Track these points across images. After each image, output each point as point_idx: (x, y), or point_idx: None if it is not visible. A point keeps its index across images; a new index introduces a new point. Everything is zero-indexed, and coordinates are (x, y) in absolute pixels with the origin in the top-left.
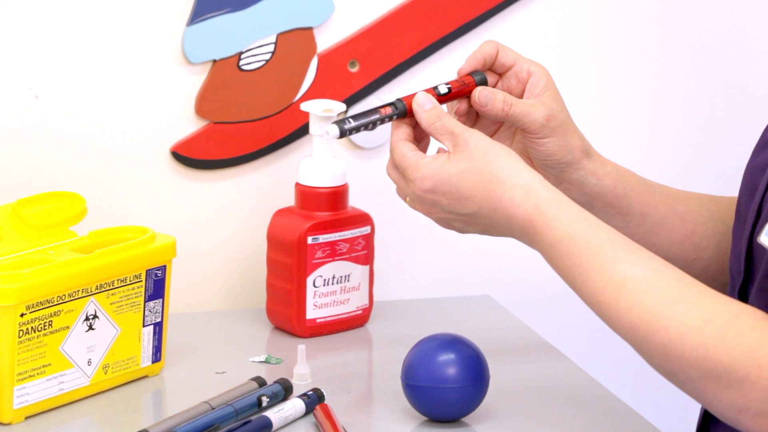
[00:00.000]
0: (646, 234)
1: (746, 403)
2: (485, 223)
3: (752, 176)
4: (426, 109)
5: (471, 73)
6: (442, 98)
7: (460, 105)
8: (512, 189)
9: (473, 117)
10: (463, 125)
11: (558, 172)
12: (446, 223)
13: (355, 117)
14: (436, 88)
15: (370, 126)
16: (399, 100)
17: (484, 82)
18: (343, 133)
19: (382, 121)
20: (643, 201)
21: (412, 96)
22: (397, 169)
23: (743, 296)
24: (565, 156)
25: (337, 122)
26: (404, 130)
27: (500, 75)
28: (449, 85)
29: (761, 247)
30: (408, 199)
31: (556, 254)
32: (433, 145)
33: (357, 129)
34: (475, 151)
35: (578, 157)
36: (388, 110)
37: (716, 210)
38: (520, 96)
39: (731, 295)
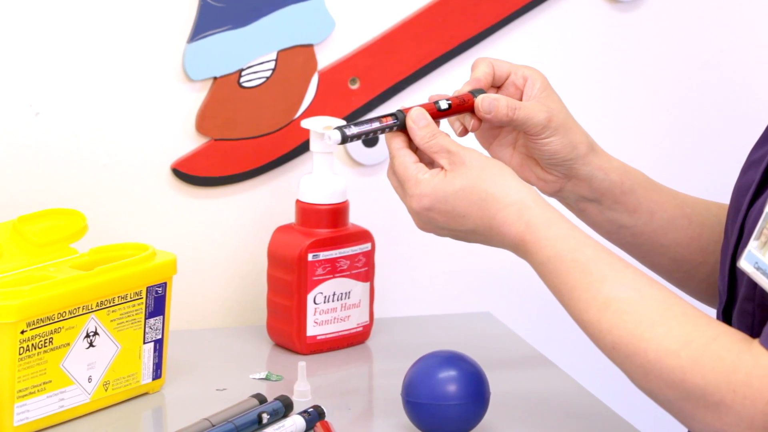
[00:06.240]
0: (653, 233)
1: (722, 427)
2: (481, 240)
3: (737, 196)
4: (421, 126)
5: (470, 91)
6: (441, 113)
7: (474, 123)
8: (506, 207)
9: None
10: (458, 143)
11: (565, 170)
12: (441, 235)
13: (356, 124)
14: (436, 103)
15: (371, 135)
16: (400, 111)
17: None
18: (344, 139)
19: (383, 130)
20: (651, 199)
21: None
22: (396, 177)
23: (727, 315)
24: (570, 152)
25: (339, 128)
26: (402, 138)
27: (498, 88)
28: (449, 101)
29: (742, 270)
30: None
31: (545, 272)
32: None
33: (358, 136)
34: (471, 169)
35: (583, 152)
36: (389, 120)
37: (723, 216)
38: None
39: (718, 312)
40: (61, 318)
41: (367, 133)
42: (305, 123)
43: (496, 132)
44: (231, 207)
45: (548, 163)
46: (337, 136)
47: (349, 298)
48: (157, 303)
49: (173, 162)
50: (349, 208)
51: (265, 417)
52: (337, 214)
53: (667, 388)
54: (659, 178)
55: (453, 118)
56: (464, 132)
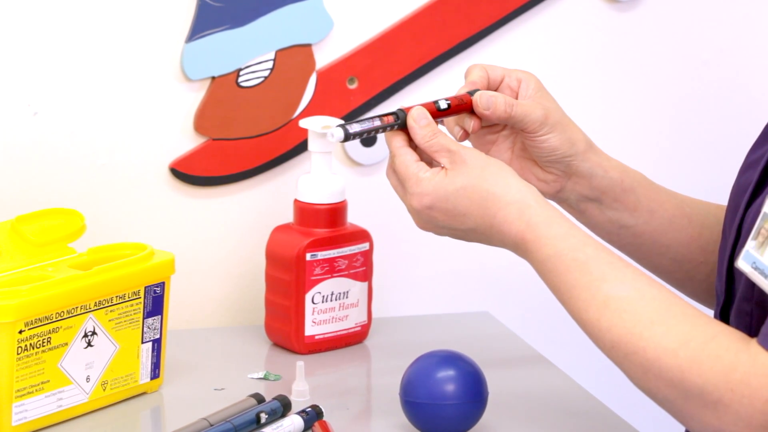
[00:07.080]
0: (654, 233)
1: (721, 426)
2: (481, 239)
3: (736, 196)
4: (422, 125)
5: (467, 92)
6: (441, 113)
7: (474, 123)
8: (507, 205)
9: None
10: (458, 142)
11: (564, 167)
12: (440, 234)
13: (359, 122)
14: (436, 102)
15: (372, 133)
16: (401, 110)
17: None
18: (347, 137)
19: (384, 129)
20: (651, 198)
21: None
22: (396, 175)
23: (725, 316)
24: (569, 149)
25: (341, 125)
26: (403, 136)
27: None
28: (449, 101)
29: (740, 270)
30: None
31: (545, 271)
32: None
33: (360, 134)
34: (472, 168)
35: (582, 148)
36: (390, 119)
37: (722, 217)
38: None
39: (716, 312)
40: (59, 318)
41: (369, 131)
42: (303, 122)
43: (494, 137)
44: (229, 206)
45: (547, 161)
46: (340, 133)
47: (347, 297)
48: (155, 302)
49: (171, 162)
50: (347, 207)
51: (264, 417)
52: (335, 213)
53: (665, 387)
54: (659, 178)
55: (452, 122)
56: (464, 136)
